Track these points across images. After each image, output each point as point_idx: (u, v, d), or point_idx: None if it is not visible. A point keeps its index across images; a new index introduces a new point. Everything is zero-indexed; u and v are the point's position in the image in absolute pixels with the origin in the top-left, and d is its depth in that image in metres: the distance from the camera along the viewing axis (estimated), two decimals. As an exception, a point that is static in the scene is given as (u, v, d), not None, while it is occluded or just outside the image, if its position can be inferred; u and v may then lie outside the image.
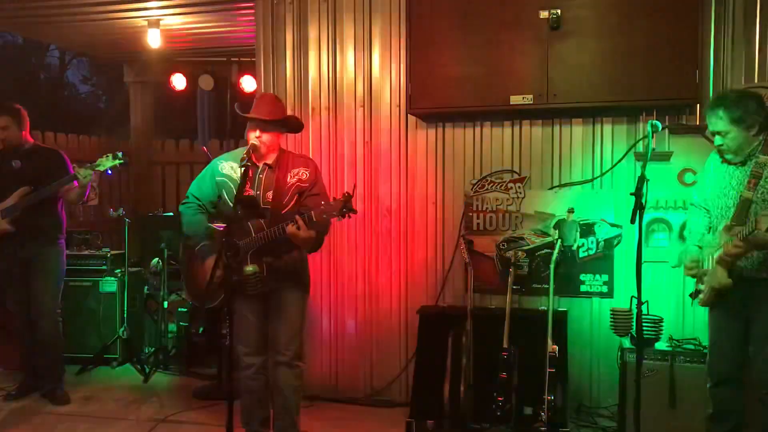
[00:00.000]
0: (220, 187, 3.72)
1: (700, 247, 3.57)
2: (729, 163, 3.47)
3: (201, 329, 5.92)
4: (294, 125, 3.88)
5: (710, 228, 3.57)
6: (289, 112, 4.52)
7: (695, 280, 3.63)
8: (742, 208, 3.32)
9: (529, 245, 4.61)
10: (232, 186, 3.63)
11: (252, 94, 7.18)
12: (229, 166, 3.73)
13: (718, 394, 3.57)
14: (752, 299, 3.39)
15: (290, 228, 3.40)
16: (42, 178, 4.74)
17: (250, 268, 3.49)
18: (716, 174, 3.54)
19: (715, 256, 3.41)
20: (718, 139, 3.42)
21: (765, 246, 3.22)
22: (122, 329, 5.83)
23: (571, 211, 4.54)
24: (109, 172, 4.75)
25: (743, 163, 3.41)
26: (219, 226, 3.75)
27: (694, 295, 3.64)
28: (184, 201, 3.84)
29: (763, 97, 3.54)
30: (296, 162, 3.75)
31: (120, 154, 4.71)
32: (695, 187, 3.75)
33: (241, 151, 3.69)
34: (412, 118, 4.84)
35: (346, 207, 3.24)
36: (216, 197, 3.75)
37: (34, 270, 4.85)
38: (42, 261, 4.84)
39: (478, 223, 4.72)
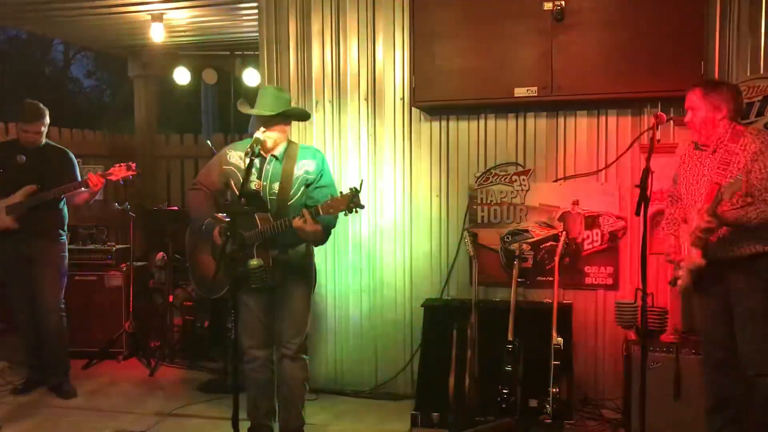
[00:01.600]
0: (228, 176, 3.72)
1: (676, 237, 3.62)
2: (699, 144, 3.53)
3: (206, 323, 5.93)
4: (299, 116, 3.88)
5: (684, 219, 3.62)
6: (293, 105, 4.52)
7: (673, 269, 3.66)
8: (712, 192, 3.34)
9: (533, 238, 4.61)
10: (240, 176, 3.62)
11: (256, 88, 7.18)
12: (237, 156, 3.74)
13: (715, 382, 3.57)
14: (725, 280, 3.42)
15: (297, 221, 3.41)
16: (51, 177, 4.76)
17: (255, 262, 3.49)
18: (688, 164, 3.61)
19: (690, 237, 3.42)
20: (687, 115, 3.52)
21: (735, 222, 3.26)
22: (128, 323, 5.85)
23: (576, 203, 4.54)
24: (122, 182, 4.75)
25: (714, 151, 3.45)
26: (224, 217, 3.75)
27: (673, 282, 3.66)
28: (192, 186, 3.85)
29: (739, 89, 3.64)
30: (304, 154, 3.75)
31: (133, 166, 4.73)
32: (673, 177, 3.77)
33: (249, 142, 3.69)
34: (416, 111, 4.83)
35: (353, 202, 3.25)
36: (223, 185, 3.76)
37: (36, 266, 4.86)
38: (44, 256, 4.85)
39: (482, 216, 4.72)
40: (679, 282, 3.57)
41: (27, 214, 4.72)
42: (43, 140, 4.89)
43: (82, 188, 4.76)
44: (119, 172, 4.70)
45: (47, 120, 4.86)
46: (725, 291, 3.45)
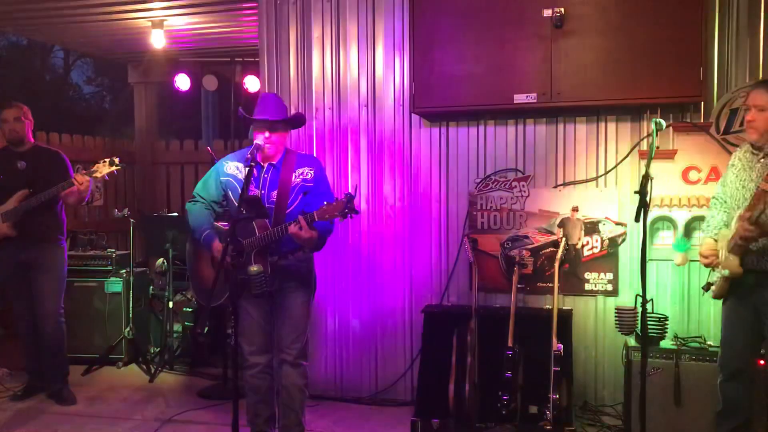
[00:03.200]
0: (226, 187, 3.74)
1: (716, 240, 3.55)
2: (754, 147, 3.45)
3: (206, 329, 5.92)
4: (299, 122, 3.90)
5: (727, 221, 3.56)
6: (292, 112, 4.54)
7: (707, 273, 3.63)
8: (758, 198, 3.29)
9: (533, 244, 4.61)
10: (237, 186, 3.64)
11: (256, 94, 7.20)
12: (234, 166, 3.75)
13: (729, 389, 3.55)
14: (762, 290, 3.38)
15: (292, 228, 3.41)
16: (42, 180, 4.74)
17: (254, 268, 3.49)
18: (738, 168, 3.53)
19: (728, 243, 3.39)
20: (752, 113, 3.39)
21: None
22: (127, 329, 5.85)
23: (575, 209, 4.54)
24: (107, 177, 4.74)
25: (765, 156, 3.39)
26: (224, 225, 3.77)
27: (706, 287, 3.63)
28: (190, 200, 3.86)
29: None
30: (301, 161, 3.76)
31: (116, 160, 4.69)
32: (720, 181, 3.74)
33: (246, 151, 3.71)
34: (415, 117, 4.84)
35: (348, 208, 3.25)
36: (221, 197, 3.77)
37: (35, 272, 4.85)
38: (43, 262, 4.84)
39: (482, 222, 4.72)
40: (713, 288, 3.54)
41: (25, 220, 4.71)
42: (31, 139, 4.90)
43: (71, 186, 4.72)
44: (103, 168, 4.67)
45: (23, 112, 4.85)
46: (756, 302, 3.41)
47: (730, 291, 3.47)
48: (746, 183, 3.44)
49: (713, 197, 3.76)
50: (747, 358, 3.50)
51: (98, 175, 4.68)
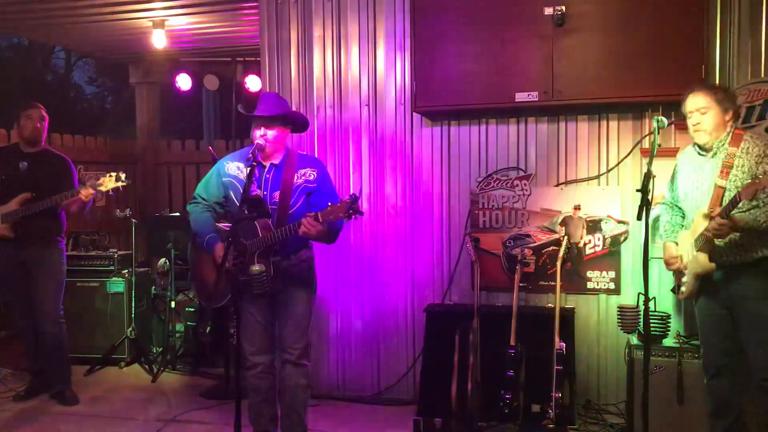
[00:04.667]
0: (227, 187, 3.73)
1: (677, 243, 3.62)
2: (701, 149, 3.51)
3: (208, 329, 5.93)
4: (298, 123, 3.88)
5: (683, 225, 3.64)
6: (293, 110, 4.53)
7: (674, 276, 3.68)
8: (717, 196, 3.36)
9: (535, 242, 4.61)
10: (239, 186, 3.64)
11: (257, 94, 7.19)
12: (235, 166, 3.75)
13: (715, 388, 3.57)
14: (732, 285, 3.41)
15: (302, 230, 3.39)
16: (46, 185, 4.74)
17: (256, 268, 3.49)
18: (687, 170, 3.60)
19: (695, 242, 3.42)
20: (695, 117, 3.45)
21: (745, 226, 3.26)
22: (130, 329, 5.85)
23: (577, 207, 4.53)
24: (111, 192, 4.72)
25: (714, 155, 3.45)
26: (226, 226, 3.77)
27: (675, 290, 3.69)
28: (191, 201, 3.86)
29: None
30: (303, 162, 3.75)
31: (123, 176, 4.66)
32: (667, 187, 3.77)
33: (246, 151, 3.70)
34: (417, 116, 4.84)
35: (352, 209, 3.24)
36: (222, 197, 3.77)
37: (34, 273, 4.85)
38: (42, 263, 4.84)
39: (484, 221, 4.72)
40: (683, 289, 3.58)
41: (24, 222, 4.71)
42: (42, 139, 4.90)
43: (74, 197, 4.71)
44: (108, 182, 4.64)
45: (45, 116, 4.88)
46: (729, 296, 3.44)
47: (701, 289, 3.50)
48: (700, 184, 3.49)
49: (662, 202, 3.82)
50: (728, 354, 3.50)
51: (103, 189, 4.65)
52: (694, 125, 3.48)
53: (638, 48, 4.13)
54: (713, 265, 3.37)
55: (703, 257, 3.39)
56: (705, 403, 3.68)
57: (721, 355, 3.53)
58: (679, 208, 3.71)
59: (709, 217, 3.34)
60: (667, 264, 3.68)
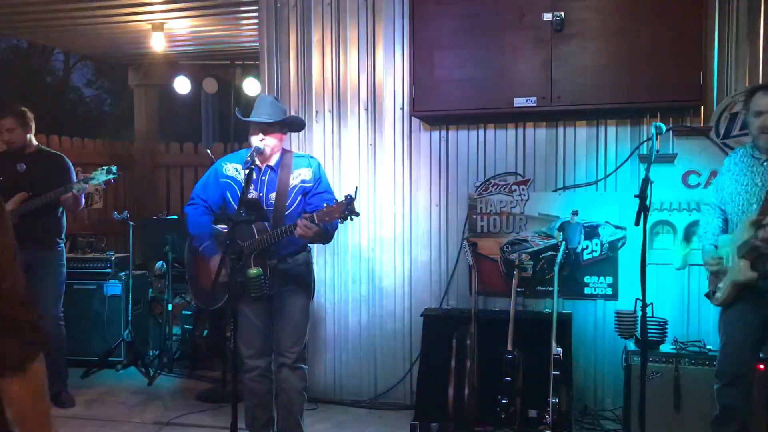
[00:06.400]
0: (224, 189, 3.73)
1: (716, 246, 3.50)
2: (759, 151, 3.39)
3: (205, 332, 5.92)
4: (296, 124, 3.89)
5: (723, 228, 3.52)
6: (291, 114, 4.53)
7: (707, 280, 3.58)
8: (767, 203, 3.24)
9: (533, 247, 4.60)
10: (236, 187, 3.64)
11: (255, 97, 7.19)
12: (232, 168, 3.75)
13: (726, 396, 3.50)
14: None
15: (298, 231, 3.39)
16: (43, 183, 4.72)
17: (253, 271, 3.48)
18: (736, 173, 3.48)
19: (738, 248, 3.32)
20: (762, 118, 3.30)
21: None
22: (126, 332, 5.84)
23: (575, 213, 4.54)
24: (104, 185, 4.72)
25: (767, 160, 3.36)
26: (223, 228, 3.76)
27: (710, 295, 3.56)
28: (189, 202, 3.85)
29: None
30: (299, 162, 3.75)
31: (114, 169, 4.66)
32: (712, 188, 3.70)
33: (244, 153, 3.71)
34: (415, 121, 4.84)
35: (348, 210, 3.23)
36: (221, 199, 3.76)
37: (34, 275, 4.83)
38: (42, 265, 4.82)
39: (482, 226, 4.72)
40: (718, 294, 3.47)
41: (24, 222, 4.69)
42: (33, 142, 4.88)
43: (68, 192, 4.69)
44: (100, 175, 4.64)
45: (19, 119, 4.78)
46: (765, 307, 3.37)
47: (738, 297, 3.40)
48: (749, 188, 3.39)
49: (706, 203, 3.72)
50: (748, 364, 3.46)
51: (95, 182, 4.64)
52: (762, 126, 3.32)
53: (637, 54, 4.14)
54: (755, 274, 3.27)
55: (745, 265, 3.29)
56: (709, 410, 3.61)
57: (741, 366, 3.46)
58: (722, 210, 3.56)
59: (757, 224, 3.23)
60: (708, 265, 3.53)
